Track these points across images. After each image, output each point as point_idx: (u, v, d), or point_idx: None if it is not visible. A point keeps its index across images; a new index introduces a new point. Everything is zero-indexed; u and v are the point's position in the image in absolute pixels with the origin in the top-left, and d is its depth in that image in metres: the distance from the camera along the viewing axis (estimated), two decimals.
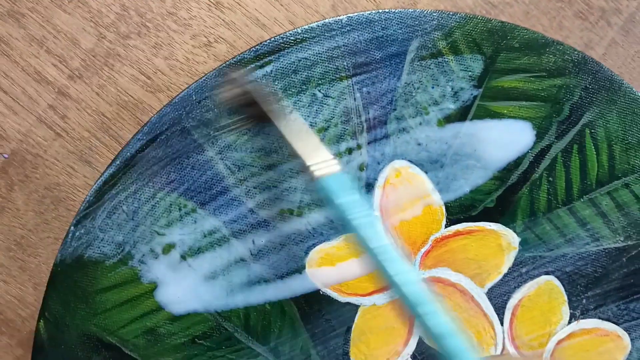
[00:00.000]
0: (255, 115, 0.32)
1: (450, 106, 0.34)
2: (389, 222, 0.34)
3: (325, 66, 0.34)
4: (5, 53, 0.36)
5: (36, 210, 0.36)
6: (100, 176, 0.33)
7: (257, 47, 0.33)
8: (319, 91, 0.34)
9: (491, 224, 0.35)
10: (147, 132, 0.33)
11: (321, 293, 0.34)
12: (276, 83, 0.34)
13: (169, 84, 0.36)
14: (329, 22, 0.34)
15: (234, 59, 0.33)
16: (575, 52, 0.34)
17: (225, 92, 0.32)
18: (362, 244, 0.28)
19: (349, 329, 0.35)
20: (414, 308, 0.27)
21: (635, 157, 0.35)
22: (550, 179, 0.35)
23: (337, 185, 0.29)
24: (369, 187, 0.34)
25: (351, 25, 0.34)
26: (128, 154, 0.33)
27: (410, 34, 0.34)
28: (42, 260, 0.36)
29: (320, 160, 0.29)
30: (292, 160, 0.34)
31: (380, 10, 0.34)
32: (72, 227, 0.33)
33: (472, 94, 0.34)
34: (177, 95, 0.33)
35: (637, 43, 0.38)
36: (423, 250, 0.35)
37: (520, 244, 0.35)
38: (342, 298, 0.35)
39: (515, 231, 0.35)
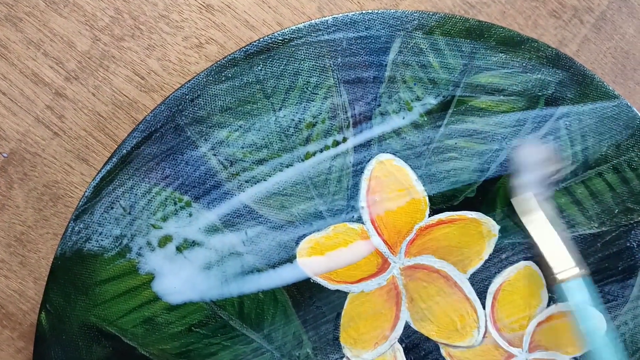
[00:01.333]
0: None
1: (432, 101, 0.36)
2: (375, 212, 0.36)
3: (312, 65, 0.35)
4: (4, 56, 0.37)
5: (35, 207, 0.37)
6: (98, 173, 0.35)
7: (247, 47, 0.35)
8: (307, 89, 0.36)
9: (472, 212, 0.37)
10: (142, 130, 0.35)
11: (312, 281, 0.36)
12: (266, 80, 0.35)
13: (162, 83, 0.38)
14: (315, 23, 0.35)
15: (224, 59, 0.35)
16: (550, 49, 0.36)
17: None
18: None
19: (338, 315, 0.36)
20: None
21: (608, 148, 0.37)
22: None
23: (574, 288, 0.34)
24: (356, 179, 0.36)
25: (336, 25, 0.35)
26: (124, 151, 0.35)
27: (393, 34, 0.36)
28: (42, 256, 0.37)
29: (562, 265, 0.34)
30: (282, 155, 0.36)
31: (363, 12, 0.36)
32: (72, 222, 0.35)
33: (452, 90, 0.36)
34: (171, 94, 0.35)
35: (609, 40, 0.40)
36: (408, 239, 0.36)
37: (500, 231, 0.37)
38: (332, 286, 0.36)
39: (494, 219, 0.37)
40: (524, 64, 0.36)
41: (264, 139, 0.36)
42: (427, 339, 0.36)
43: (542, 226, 0.35)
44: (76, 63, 0.37)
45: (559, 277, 0.33)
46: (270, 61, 0.35)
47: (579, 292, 0.33)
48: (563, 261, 0.34)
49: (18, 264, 0.37)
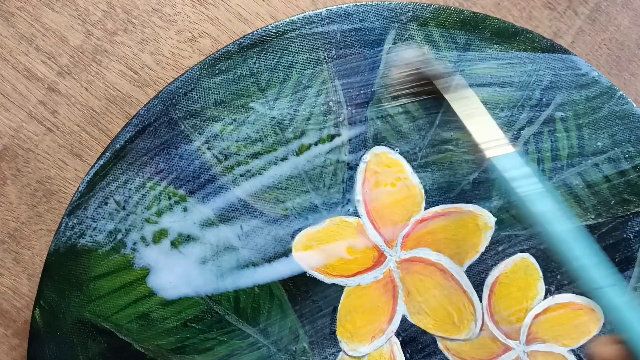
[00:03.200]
0: (429, 92, 0.33)
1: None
2: (371, 205, 0.36)
3: (307, 57, 0.35)
4: None
5: (29, 204, 0.37)
6: (92, 167, 0.34)
7: (240, 40, 0.35)
8: (302, 81, 0.35)
9: (468, 205, 0.36)
10: (136, 124, 0.35)
11: (307, 275, 0.36)
12: (260, 74, 0.35)
13: (156, 78, 0.37)
14: (309, 15, 0.35)
15: (218, 52, 0.35)
16: (544, 40, 0.36)
17: (400, 72, 0.33)
18: (532, 215, 0.29)
19: (335, 309, 0.36)
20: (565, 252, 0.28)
21: (604, 139, 0.37)
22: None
23: (508, 163, 0.30)
24: (351, 172, 0.36)
25: (330, 17, 0.35)
26: (117, 145, 0.35)
27: (387, 26, 0.36)
28: (36, 252, 0.37)
29: (492, 140, 0.30)
30: (277, 148, 0.35)
31: (357, 3, 0.35)
32: (65, 218, 0.34)
33: None
34: (165, 87, 0.34)
35: (603, 31, 0.40)
36: (404, 231, 0.36)
37: (496, 223, 0.37)
38: (328, 279, 0.36)
39: (491, 211, 0.36)
40: (518, 56, 0.36)
41: (258, 133, 0.35)
42: (424, 332, 0.36)
43: (469, 104, 0.32)
44: (69, 58, 0.37)
45: (488, 152, 0.30)
46: (264, 54, 0.35)
47: (512, 164, 0.29)
48: (492, 135, 0.31)
49: (12, 260, 0.37)
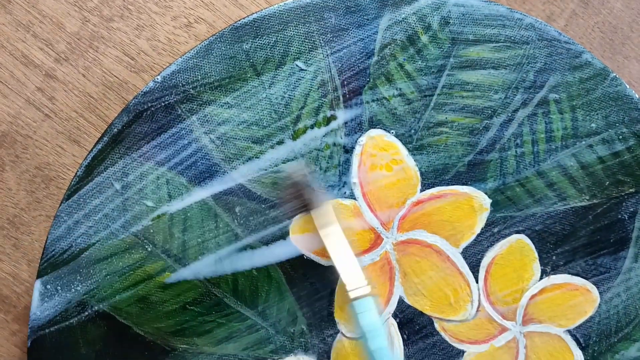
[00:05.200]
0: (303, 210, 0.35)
1: (422, 77, 0.36)
2: (367, 188, 0.36)
3: (302, 40, 0.36)
4: None
5: (27, 190, 0.37)
6: (90, 152, 0.35)
7: (235, 24, 0.35)
8: (297, 64, 0.36)
9: (463, 187, 0.37)
10: (133, 109, 0.35)
11: (305, 258, 0.36)
12: (256, 58, 0.35)
13: (152, 64, 0.38)
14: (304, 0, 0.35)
15: (214, 36, 0.35)
16: (538, 22, 0.36)
17: (286, 195, 0.35)
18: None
19: (332, 291, 0.36)
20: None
21: (597, 120, 0.37)
22: (518, 142, 0.37)
23: (364, 307, 0.33)
24: (347, 155, 0.36)
25: (325, 1, 0.36)
26: (115, 130, 0.35)
27: (381, 9, 0.36)
28: (35, 238, 0.37)
29: (356, 283, 0.33)
30: (273, 132, 0.36)
31: None
32: (64, 202, 0.35)
33: (441, 64, 0.36)
34: (161, 72, 0.35)
35: (596, 14, 0.40)
36: (400, 214, 0.36)
37: (491, 205, 0.37)
38: (326, 262, 0.36)
39: (486, 193, 0.37)
40: (512, 39, 0.36)
41: (254, 116, 0.36)
42: (421, 313, 0.37)
43: (337, 241, 0.34)
44: (66, 44, 0.37)
45: (351, 294, 0.33)
46: (260, 38, 0.35)
47: (368, 312, 0.33)
48: (356, 278, 0.33)
49: (11, 246, 0.37)
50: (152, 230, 0.35)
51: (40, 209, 0.37)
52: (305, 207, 0.35)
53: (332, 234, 0.34)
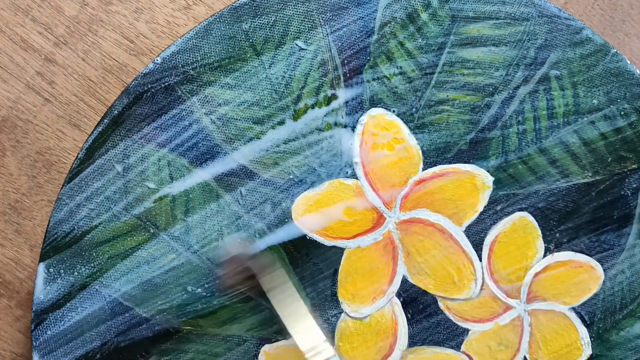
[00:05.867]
0: (254, 287, 0.35)
1: (423, 55, 0.36)
2: (369, 167, 0.36)
3: (301, 20, 0.35)
4: None
5: (29, 175, 0.37)
6: (90, 134, 0.35)
7: (234, 4, 0.35)
8: (297, 44, 0.36)
9: (466, 165, 0.37)
10: (133, 90, 0.35)
11: (308, 238, 0.36)
12: (256, 38, 0.35)
13: (152, 46, 0.38)
14: None
15: (213, 17, 0.35)
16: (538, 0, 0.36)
17: (228, 272, 0.35)
18: None
19: (335, 271, 0.36)
20: None
21: (599, 96, 0.37)
22: (519, 119, 0.37)
23: None
24: (348, 134, 0.36)
25: None
26: (115, 112, 0.35)
27: None
28: (37, 223, 0.37)
29: (314, 344, 0.33)
30: (274, 112, 0.36)
31: None
32: (65, 185, 0.35)
33: (442, 42, 0.36)
34: (160, 53, 0.35)
35: None
36: (402, 193, 0.36)
37: (494, 182, 0.37)
38: (328, 242, 0.36)
39: (488, 171, 0.37)
40: (512, 15, 0.36)
41: (255, 97, 0.36)
42: (425, 292, 0.37)
43: (289, 302, 0.34)
44: (65, 28, 0.37)
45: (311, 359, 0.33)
46: (259, 18, 0.35)
47: None
48: (314, 339, 0.33)
49: (13, 231, 0.37)
50: (154, 213, 0.35)
51: (41, 194, 0.37)
52: (250, 279, 0.34)
53: (284, 298, 0.34)
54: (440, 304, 0.37)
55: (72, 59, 0.37)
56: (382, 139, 0.36)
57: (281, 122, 0.36)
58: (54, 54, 0.37)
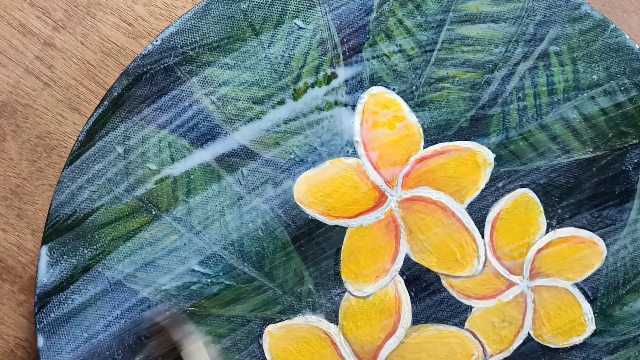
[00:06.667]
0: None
1: (422, 32, 0.36)
2: (370, 146, 0.36)
3: None
4: None
5: (29, 159, 0.37)
6: (91, 116, 0.35)
7: None
8: (295, 23, 0.35)
9: (467, 142, 0.37)
10: (132, 72, 0.35)
11: (310, 218, 0.36)
12: (254, 17, 0.35)
13: (150, 29, 0.37)
14: None
15: None
16: None
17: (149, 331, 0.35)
18: None
19: (338, 250, 0.36)
20: None
21: (599, 72, 0.37)
22: (520, 96, 0.37)
23: None
24: (349, 112, 0.36)
25: None
26: (115, 93, 0.35)
27: None
28: (39, 207, 0.37)
29: None
30: (274, 92, 0.36)
31: None
32: (66, 168, 0.35)
33: (441, 19, 0.36)
34: (159, 34, 0.35)
35: None
36: (404, 171, 0.36)
37: (495, 159, 0.37)
38: (330, 221, 0.36)
39: (489, 148, 0.37)
40: None
41: (255, 77, 0.36)
42: (428, 270, 0.37)
43: None
44: (63, 12, 0.37)
45: None
46: None
47: None
48: None
49: (15, 216, 0.37)
50: (156, 194, 0.35)
51: (42, 178, 0.37)
52: (174, 349, 0.34)
53: None
54: (444, 282, 0.37)
55: (70, 43, 0.37)
56: (383, 117, 0.36)
57: (281, 102, 0.36)
58: (52, 38, 0.37)
